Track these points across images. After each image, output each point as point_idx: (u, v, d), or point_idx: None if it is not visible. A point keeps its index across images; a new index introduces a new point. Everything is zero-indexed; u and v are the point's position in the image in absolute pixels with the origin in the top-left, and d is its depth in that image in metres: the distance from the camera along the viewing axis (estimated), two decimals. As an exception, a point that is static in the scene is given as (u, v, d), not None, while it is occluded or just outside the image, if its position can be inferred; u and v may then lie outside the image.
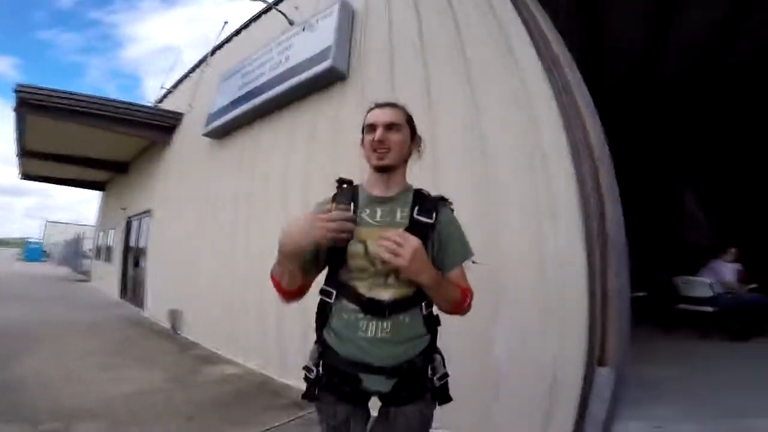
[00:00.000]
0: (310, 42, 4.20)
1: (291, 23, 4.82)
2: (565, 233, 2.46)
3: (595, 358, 2.34)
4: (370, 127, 1.29)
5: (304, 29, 4.36)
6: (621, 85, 6.87)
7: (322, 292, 1.33)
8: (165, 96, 9.45)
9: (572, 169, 2.50)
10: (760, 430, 2.42)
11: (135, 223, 9.58)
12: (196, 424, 2.98)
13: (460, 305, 1.29)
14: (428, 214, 1.27)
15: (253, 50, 5.38)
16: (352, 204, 1.27)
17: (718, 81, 7.01)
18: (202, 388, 3.75)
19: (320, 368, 1.29)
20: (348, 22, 4.12)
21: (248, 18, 6.39)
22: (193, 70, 8.13)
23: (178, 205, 6.86)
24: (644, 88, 7.30)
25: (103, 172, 11.34)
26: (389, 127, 1.27)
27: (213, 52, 7.24)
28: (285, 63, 4.48)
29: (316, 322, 1.35)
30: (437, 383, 1.31)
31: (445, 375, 1.34)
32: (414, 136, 1.36)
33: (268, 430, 2.88)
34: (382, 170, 1.29)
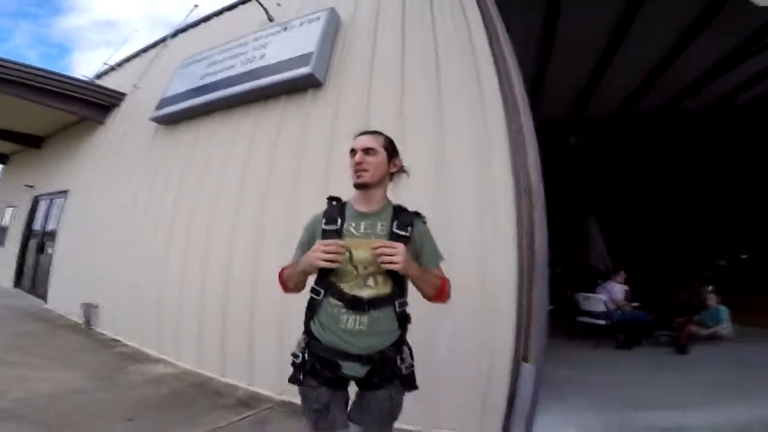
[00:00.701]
0: (291, 44, 4.26)
1: (270, 19, 4.84)
2: (503, 260, 2.95)
3: (520, 355, 2.80)
4: (352, 152, 1.57)
5: (285, 29, 4.43)
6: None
7: (312, 290, 1.59)
8: (106, 72, 8.67)
9: (514, 209, 3.00)
10: (645, 419, 3.02)
11: (44, 204, 8.43)
12: (140, 425, 2.84)
13: (442, 291, 1.60)
14: (404, 228, 1.54)
15: (223, 40, 5.26)
16: (339, 219, 1.54)
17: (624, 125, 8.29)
18: (135, 389, 3.52)
19: (305, 355, 1.55)
20: (333, 30, 4.26)
21: (222, 6, 6.22)
22: (146, 50, 7.60)
23: (106, 190, 6.27)
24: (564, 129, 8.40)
25: (9, 144, 9.94)
26: (366, 151, 1.55)
27: (175, 34, 6.89)
28: (260, 60, 4.48)
29: (306, 315, 1.60)
30: (405, 371, 1.58)
31: (412, 365, 1.62)
32: (391, 159, 1.62)
33: (218, 428, 2.84)
34: (361, 187, 1.56)
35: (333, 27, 4.29)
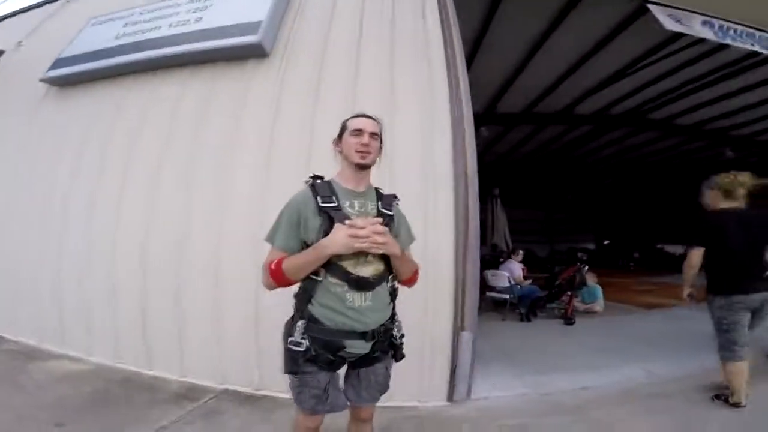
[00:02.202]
0: (236, 10, 3.97)
1: None
2: (443, 240, 3.21)
3: (458, 325, 3.14)
4: (357, 132, 1.59)
5: None
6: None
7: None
8: None
9: (453, 194, 3.28)
10: (556, 380, 3.53)
11: None
12: (75, 430, 2.51)
13: (413, 276, 1.74)
14: (389, 208, 1.65)
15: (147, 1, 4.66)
16: (334, 197, 1.54)
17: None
18: (47, 389, 3.07)
19: (308, 341, 1.52)
20: (286, 1, 4.08)
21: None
22: (41, 5, 6.34)
23: None
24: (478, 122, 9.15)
25: None
26: (371, 135, 1.60)
27: None
28: (194, 24, 4.08)
29: (299, 299, 1.58)
30: (399, 342, 1.70)
31: (403, 335, 1.74)
32: (381, 146, 1.69)
33: (170, 424, 2.62)
34: (363, 168, 1.60)
35: None
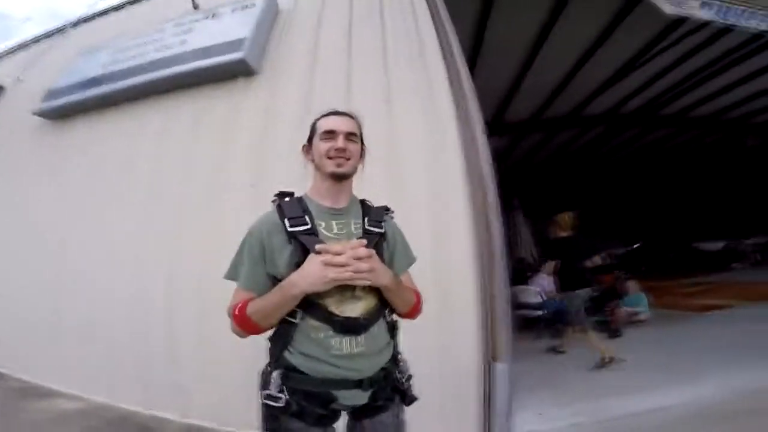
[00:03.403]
0: (220, 30, 3.88)
1: (196, 7, 4.34)
2: (461, 249, 2.83)
3: (489, 354, 2.69)
4: (329, 134, 1.27)
5: (214, 16, 4.03)
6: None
7: None
8: None
9: (467, 199, 2.92)
10: (614, 408, 2.99)
11: None
12: None
13: (416, 307, 1.38)
14: (378, 225, 1.31)
15: (135, 28, 4.66)
16: (306, 217, 1.22)
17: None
18: (43, 429, 2.94)
19: (286, 393, 1.19)
20: (271, 18, 3.97)
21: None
22: (37, 40, 6.47)
23: None
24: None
25: None
26: (348, 136, 1.27)
27: (77, 23, 5.84)
28: (180, 46, 4.00)
29: (274, 344, 1.26)
30: (406, 385, 1.34)
31: (411, 376, 1.38)
32: (362, 148, 1.36)
33: None
34: (338, 178, 1.27)
35: (270, 14, 4.00)
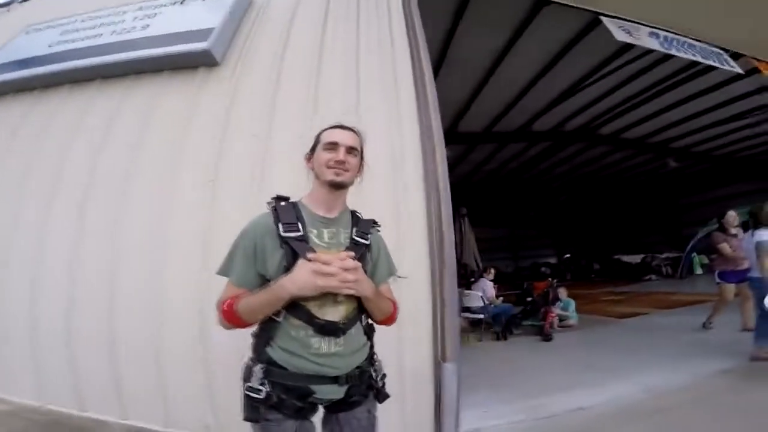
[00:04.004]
0: (187, 18, 3.75)
1: None
2: (417, 258, 2.92)
3: (439, 355, 2.81)
4: (331, 145, 1.36)
5: (182, 2, 3.89)
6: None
7: None
8: None
9: (425, 208, 3.02)
10: (555, 404, 3.21)
11: None
12: None
13: (392, 316, 1.50)
14: (364, 236, 1.41)
15: (89, 9, 4.34)
16: (299, 224, 1.30)
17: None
18: None
19: (267, 386, 1.27)
20: (242, 10, 3.89)
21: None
22: None
23: None
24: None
25: None
26: (349, 150, 1.37)
27: None
28: (140, 31, 3.81)
29: (257, 339, 1.35)
30: (380, 383, 1.46)
31: (385, 375, 1.50)
32: (361, 163, 1.47)
33: None
34: (336, 187, 1.36)
35: (242, 6, 3.91)
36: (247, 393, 1.28)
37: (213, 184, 3.14)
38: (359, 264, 1.26)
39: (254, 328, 1.35)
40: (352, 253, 1.28)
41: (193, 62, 3.62)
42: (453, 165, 10.95)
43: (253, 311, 1.25)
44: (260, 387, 1.26)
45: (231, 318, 1.27)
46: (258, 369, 1.29)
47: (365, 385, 1.40)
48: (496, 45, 6.13)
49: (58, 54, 3.96)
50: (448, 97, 7.15)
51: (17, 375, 3.33)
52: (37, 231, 3.45)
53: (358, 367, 1.36)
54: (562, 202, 19.37)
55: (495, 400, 3.38)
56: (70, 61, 3.86)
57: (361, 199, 2.87)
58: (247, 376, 1.30)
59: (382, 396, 1.46)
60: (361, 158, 1.46)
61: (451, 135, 8.93)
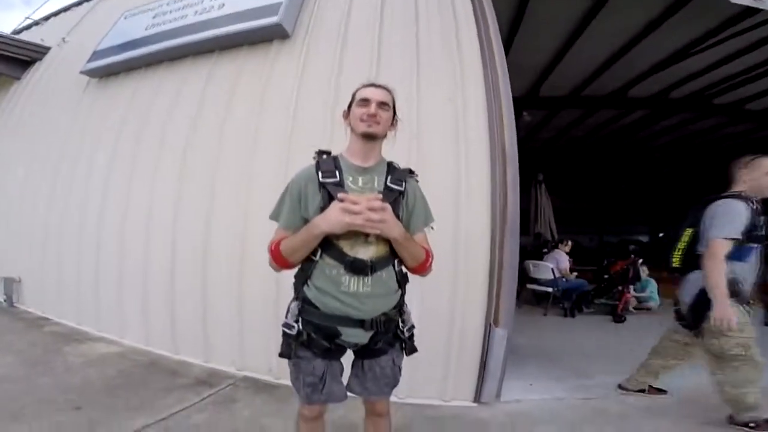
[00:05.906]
0: None
1: None
2: (477, 219, 2.91)
3: (491, 318, 2.82)
4: (364, 101, 1.46)
5: None
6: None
7: None
8: (27, 27, 7.62)
9: (488, 170, 2.97)
10: (600, 386, 3.14)
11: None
12: (88, 415, 2.46)
13: (424, 264, 1.51)
14: (399, 183, 1.48)
15: None
16: (337, 172, 1.43)
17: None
18: (76, 372, 3.10)
19: (300, 324, 1.42)
20: None
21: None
22: (80, 3, 6.72)
23: (22, 150, 5.44)
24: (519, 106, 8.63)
25: None
26: (380, 104, 1.46)
27: None
28: (218, 9, 4.10)
29: (297, 279, 1.48)
30: (407, 334, 1.52)
31: (413, 327, 1.56)
32: (394, 118, 1.55)
33: (178, 413, 2.54)
34: (368, 138, 1.46)
35: None
36: (283, 329, 1.45)
37: (287, 149, 3.33)
38: (387, 206, 1.33)
39: (296, 270, 1.49)
40: (380, 196, 1.35)
41: (267, 36, 3.84)
42: (533, 130, 10.31)
43: (294, 249, 1.39)
44: (294, 324, 1.43)
45: (277, 258, 1.41)
46: (294, 306, 1.46)
47: (391, 334, 1.49)
48: (583, 6, 5.48)
49: (155, 36, 4.43)
50: (526, 61, 6.71)
51: (130, 319, 3.88)
52: (145, 194, 3.94)
53: (384, 314, 1.44)
54: (662, 175, 17.28)
55: (545, 376, 3.32)
56: (162, 41, 4.31)
57: (422, 155, 2.97)
58: (286, 313, 1.47)
59: (408, 348, 1.54)
60: (394, 114, 1.54)
61: (531, 99, 8.39)
